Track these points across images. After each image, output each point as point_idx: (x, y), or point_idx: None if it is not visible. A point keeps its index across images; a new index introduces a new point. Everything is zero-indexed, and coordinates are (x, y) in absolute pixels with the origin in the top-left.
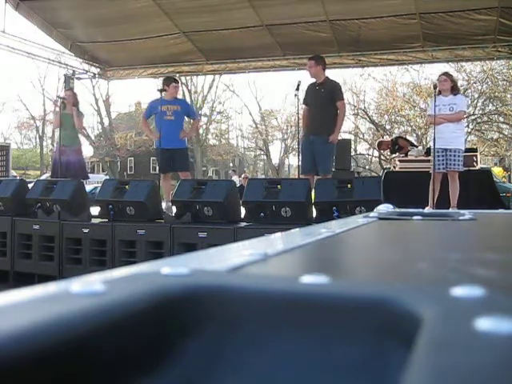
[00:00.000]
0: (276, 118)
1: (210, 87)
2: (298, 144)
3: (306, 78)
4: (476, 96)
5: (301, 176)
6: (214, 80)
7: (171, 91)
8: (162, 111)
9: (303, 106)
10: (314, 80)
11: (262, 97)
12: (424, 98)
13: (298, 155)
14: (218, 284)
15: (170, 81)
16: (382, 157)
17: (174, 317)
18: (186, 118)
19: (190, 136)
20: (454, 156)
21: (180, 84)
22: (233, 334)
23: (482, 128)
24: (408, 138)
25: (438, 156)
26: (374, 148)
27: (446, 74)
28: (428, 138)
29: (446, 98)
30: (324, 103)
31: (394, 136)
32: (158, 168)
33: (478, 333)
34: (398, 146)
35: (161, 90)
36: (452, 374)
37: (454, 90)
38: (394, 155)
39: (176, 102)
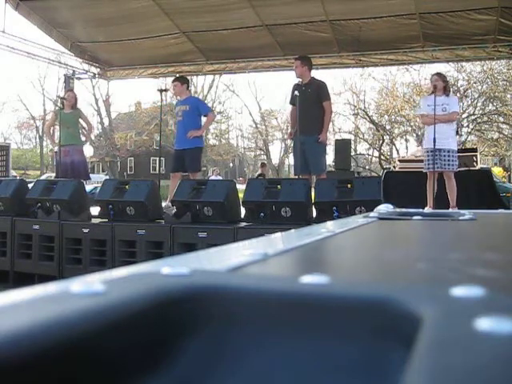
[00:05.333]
0: (276, 118)
1: (210, 87)
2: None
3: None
4: (476, 96)
5: (294, 177)
6: (213, 80)
7: (174, 91)
8: (176, 112)
9: (290, 105)
10: (299, 80)
11: (262, 97)
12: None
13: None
14: (217, 284)
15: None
16: (382, 157)
17: (174, 317)
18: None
19: (198, 134)
20: (448, 156)
21: (181, 83)
22: (233, 333)
23: (482, 128)
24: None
25: (431, 156)
26: (375, 148)
27: (437, 74)
28: None
29: (439, 98)
30: (311, 103)
31: None
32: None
33: (478, 333)
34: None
35: (161, 91)
36: (452, 374)
37: (446, 90)
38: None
39: (185, 102)
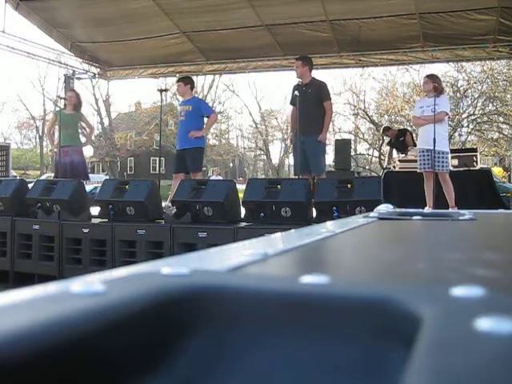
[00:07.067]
0: (276, 118)
1: (210, 87)
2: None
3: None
4: (476, 96)
5: (293, 177)
6: (213, 80)
7: (178, 91)
8: (179, 112)
9: (291, 106)
10: (299, 80)
11: (262, 97)
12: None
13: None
14: (217, 284)
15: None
16: (382, 157)
17: (174, 317)
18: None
19: (199, 135)
20: (439, 158)
21: (185, 83)
22: (233, 333)
23: (482, 128)
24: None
25: (424, 156)
26: (375, 148)
27: (427, 75)
28: None
29: (429, 100)
30: (312, 103)
31: (402, 127)
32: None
33: (478, 333)
34: (404, 139)
35: (161, 91)
36: (452, 374)
37: (437, 90)
38: (393, 150)
39: (188, 102)
